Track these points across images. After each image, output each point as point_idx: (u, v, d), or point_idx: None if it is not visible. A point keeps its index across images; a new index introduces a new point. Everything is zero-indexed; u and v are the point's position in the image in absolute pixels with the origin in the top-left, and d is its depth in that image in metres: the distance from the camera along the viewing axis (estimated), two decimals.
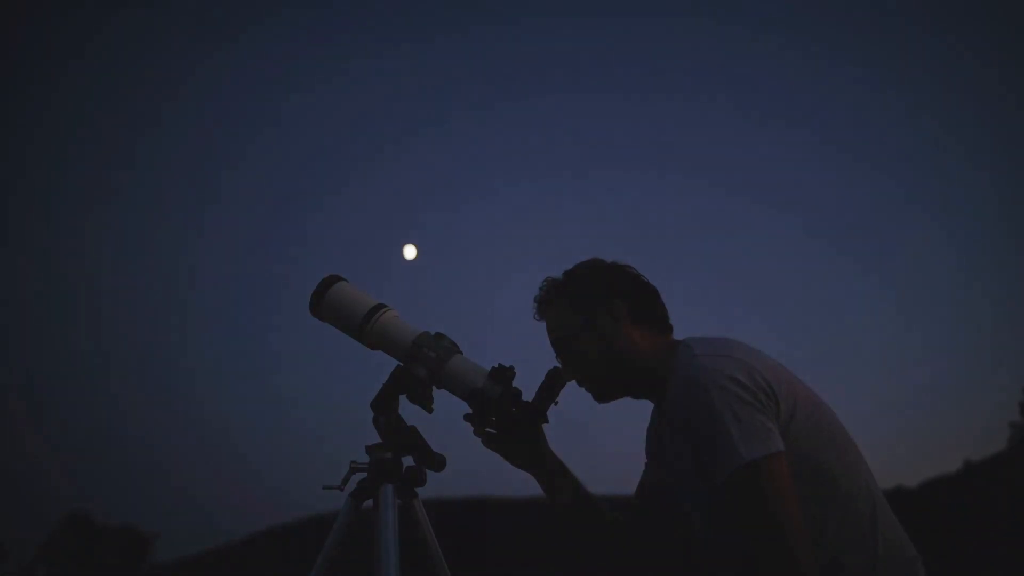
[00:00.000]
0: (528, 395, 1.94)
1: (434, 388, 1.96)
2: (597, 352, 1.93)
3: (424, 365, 1.93)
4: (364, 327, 2.00)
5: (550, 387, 1.92)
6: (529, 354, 2.04)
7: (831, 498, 1.73)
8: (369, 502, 1.89)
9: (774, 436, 1.68)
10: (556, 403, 1.93)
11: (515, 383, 1.92)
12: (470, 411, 1.95)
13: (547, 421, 1.97)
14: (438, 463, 1.94)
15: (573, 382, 1.96)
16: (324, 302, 2.05)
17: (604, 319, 1.92)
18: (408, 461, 1.93)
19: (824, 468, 1.74)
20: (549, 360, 1.99)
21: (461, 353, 1.97)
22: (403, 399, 1.96)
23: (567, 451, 2.08)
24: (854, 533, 1.73)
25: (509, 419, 1.94)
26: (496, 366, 1.92)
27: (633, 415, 2.09)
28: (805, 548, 1.62)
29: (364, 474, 1.91)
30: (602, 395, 1.97)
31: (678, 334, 1.98)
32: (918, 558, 1.79)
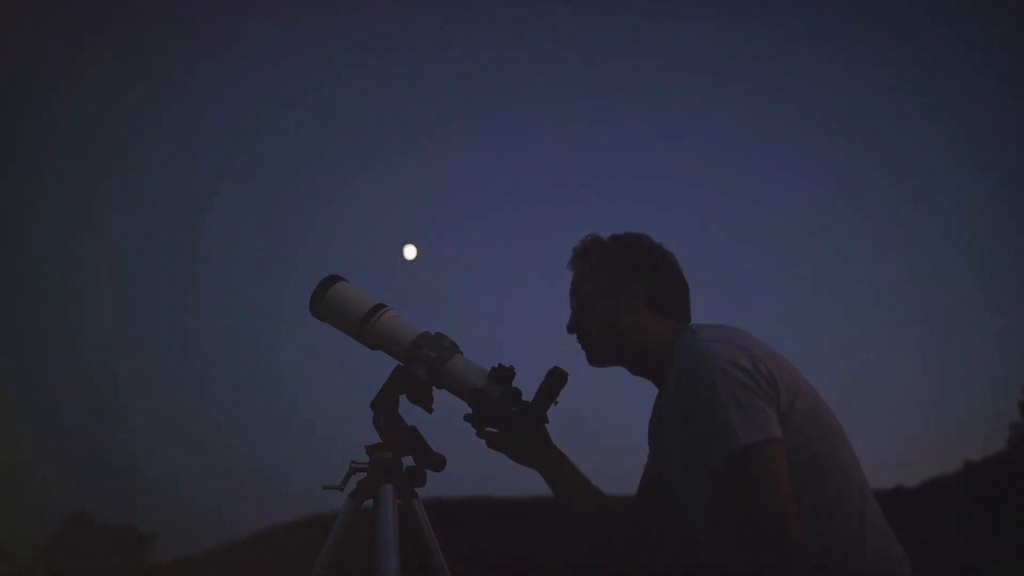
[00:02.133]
0: (528, 395, 1.94)
1: (434, 388, 1.96)
2: (605, 317, 1.94)
3: (424, 365, 1.93)
4: (364, 327, 2.00)
5: (550, 387, 1.92)
6: (529, 354, 2.04)
7: (822, 492, 1.73)
8: (369, 502, 1.89)
9: (773, 422, 1.69)
10: (556, 403, 1.94)
11: (515, 383, 1.92)
12: (470, 411, 1.96)
13: (547, 421, 1.97)
14: (438, 463, 1.95)
15: (572, 381, 1.96)
16: (324, 302, 2.05)
17: (623, 293, 1.94)
18: (408, 461, 1.93)
19: (818, 462, 1.75)
20: (549, 360, 1.99)
21: (461, 353, 1.98)
22: (403, 399, 1.96)
23: (569, 450, 2.09)
24: (842, 528, 1.74)
25: (509, 419, 1.94)
26: (496, 366, 1.92)
27: (633, 415, 2.09)
28: (799, 534, 1.63)
29: (364, 474, 1.92)
30: (596, 358, 1.99)
31: None
32: (905, 557, 1.80)
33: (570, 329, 2.00)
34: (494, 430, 2.01)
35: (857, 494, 1.78)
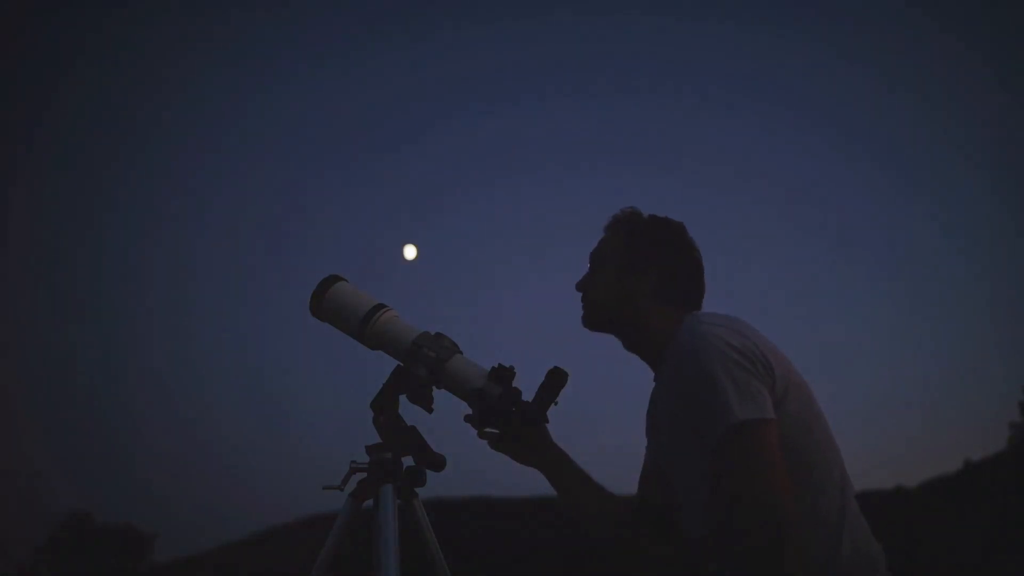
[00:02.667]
0: (528, 395, 1.94)
1: (434, 388, 1.96)
2: (611, 286, 1.96)
3: (424, 365, 1.93)
4: (364, 327, 2.00)
5: (550, 387, 1.92)
6: (529, 354, 2.05)
7: (803, 485, 1.73)
8: (369, 502, 1.89)
9: (769, 404, 1.69)
10: (556, 403, 1.94)
11: (515, 383, 1.92)
12: (470, 411, 1.96)
13: (547, 421, 1.97)
14: (438, 463, 1.95)
15: (573, 381, 1.96)
16: (324, 302, 2.05)
17: (635, 273, 1.95)
18: (408, 461, 1.93)
19: (803, 455, 1.75)
20: (549, 360, 2.00)
21: (461, 353, 1.98)
22: (403, 399, 1.96)
23: (570, 450, 2.09)
24: (821, 523, 1.73)
25: (509, 419, 1.94)
26: (496, 366, 1.92)
27: (634, 413, 2.09)
28: (793, 512, 1.62)
29: (364, 474, 1.92)
30: (589, 321, 2.01)
31: None
32: (881, 555, 1.80)
33: (578, 287, 2.02)
34: (495, 431, 2.01)
35: (838, 491, 1.78)
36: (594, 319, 2.00)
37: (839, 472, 1.81)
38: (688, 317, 1.87)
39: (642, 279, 1.94)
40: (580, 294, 2.02)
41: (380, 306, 2.02)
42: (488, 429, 2.02)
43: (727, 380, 1.69)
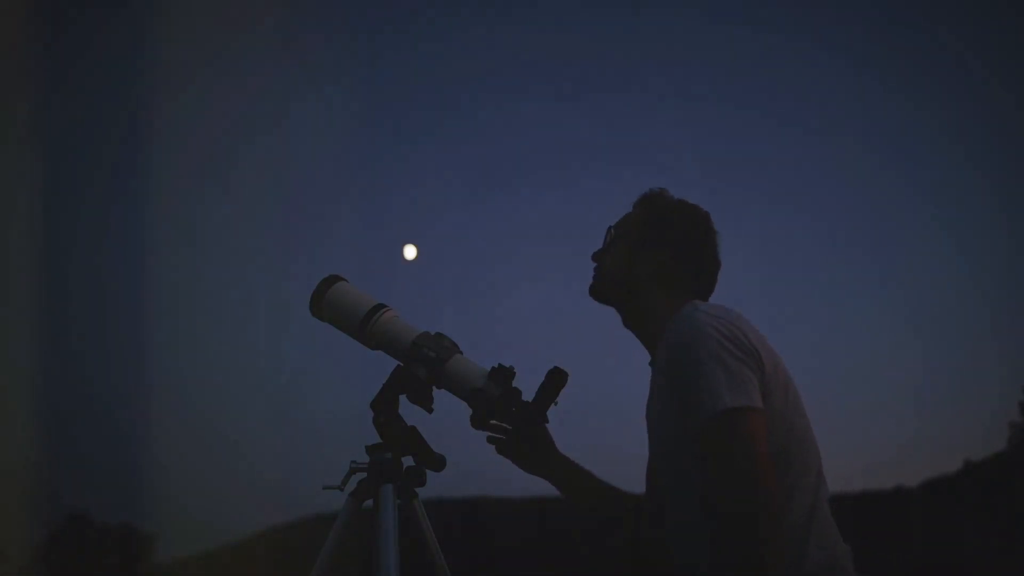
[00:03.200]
0: (528, 395, 1.94)
1: (434, 388, 1.96)
2: (622, 260, 1.98)
3: (424, 365, 1.94)
4: (364, 327, 2.00)
5: (550, 387, 1.92)
6: (529, 354, 2.05)
7: (779, 482, 1.72)
8: (369, 502, 1.89)
9: (758, 394, 1.69)
10: (556, 403, 1.94)
11: (515, 383, 1.92)
12: (471, 414, 1.96)
13: (547, 421, 1.97)
14: (438, 463, 1.95)
15: (572, 381, 1.96)
16: (324, 302, 2.06)
17: (648, 252, 1.96)
18: (408, 461, 1.94)
19: (782, 453, 1.74)
20: (549, 360, 2.00)
21: (461, 353, 1.98)
22: (403, 399, 1.96)
23: (574, 450, 2.09)
24: (791, 523, 1.72)
25: (509, 419, 1.95)
26: (496, 366, 1.92)
27: (635, 412, 2.09)
28: (774, 504, 1.60)
29: (364, 474, 1.92)
30: (595, 289, 2.03)
31: None
32: (848, 555, 1.79)
33: (593, 257, 2.04)
34: (499, 436, 2.02)
35: (812, 492, 1.77)
36: (600, 290, 2.02)
37: (815, 473, 1.80)
38: (686, 305, 1.87)
39: (653, 257, 1.95)
40: (590, 274, 2.03)
41: (380, 306, 2.03)
42: (489, 432, 2.03)
43: (718, 367, 1.68)
